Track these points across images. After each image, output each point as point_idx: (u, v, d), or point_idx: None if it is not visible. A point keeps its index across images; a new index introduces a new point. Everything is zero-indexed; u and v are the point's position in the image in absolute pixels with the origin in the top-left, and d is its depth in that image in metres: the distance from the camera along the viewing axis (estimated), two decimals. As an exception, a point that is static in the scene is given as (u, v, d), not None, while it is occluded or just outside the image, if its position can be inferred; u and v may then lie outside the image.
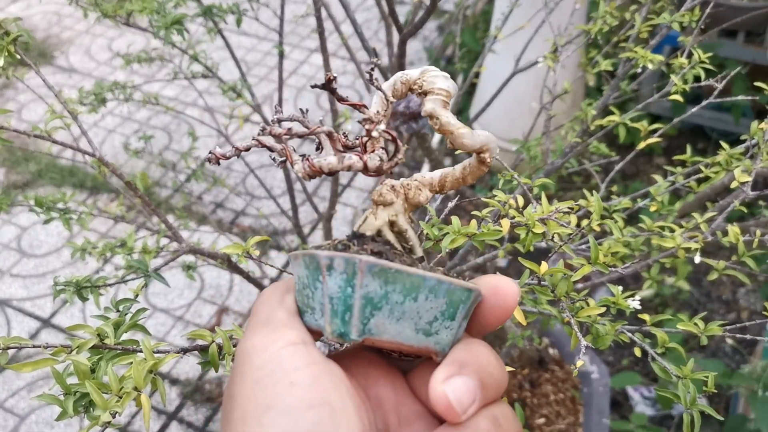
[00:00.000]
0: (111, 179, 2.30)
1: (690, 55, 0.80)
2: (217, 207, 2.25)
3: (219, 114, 2.47)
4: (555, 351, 1.47)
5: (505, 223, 0.52)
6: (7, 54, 0.72)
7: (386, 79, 1.10)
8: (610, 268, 0.51)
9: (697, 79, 0.79)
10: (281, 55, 1.15)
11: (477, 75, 2.12)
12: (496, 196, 0.56)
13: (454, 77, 2.01)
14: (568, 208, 0.55)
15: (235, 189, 2.29)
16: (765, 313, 0.58)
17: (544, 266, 0.49)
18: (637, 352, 0.57)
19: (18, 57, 0.71)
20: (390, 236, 0.36)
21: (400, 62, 0.99)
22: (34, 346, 0.40)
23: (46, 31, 3.02)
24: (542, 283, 0.51)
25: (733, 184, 0.65)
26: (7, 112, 0.71)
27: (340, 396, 0.30)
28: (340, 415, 0.29)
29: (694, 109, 0.82)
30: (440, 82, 0.37)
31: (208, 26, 1.18)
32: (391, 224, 0.37)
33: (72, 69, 2.82)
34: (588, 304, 0.51)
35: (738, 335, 0.56)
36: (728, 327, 0.59)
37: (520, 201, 0.57)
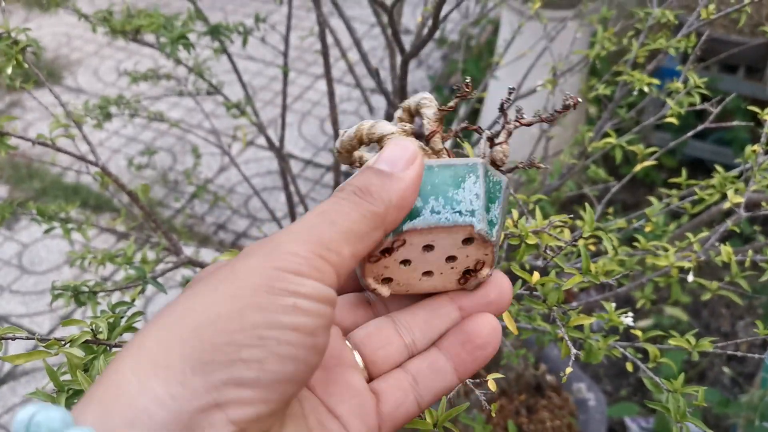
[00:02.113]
0: (114, 198, 2.31)
1: (686, 81, 0.81)
2: (219, 228, 2.26)
3: (224, 136, 2.49)
4: (552, 377, 1.47)
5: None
6: (15, 63, 0.73)
7: (388, 101, 1.11)
8: (603, 281, 0.51)
9: (692, 104, 0.80)
10: (285, 75, 1.17)
11: (479, 101, 2.14)
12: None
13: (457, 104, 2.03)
14: (562, 221, 0.55)
15: (238, 211, 2.30)
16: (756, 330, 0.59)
17: (536, 276, 0.50)
18: (629, 367, 0.57)
19: (26, 66, 0.73)
20: None
21: (402, 84, 1.00)
22: (28, 338, 0.41)
23: (55, 51, 3.06)
24: (534, 293, 0.52)
25: (727, 206, 0.66)
26: (13, 119, 0.72)
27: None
28: None
29: (690, 134, 0.83)
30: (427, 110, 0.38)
31: (214, 46, 1.20)
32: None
33: (80, 89, 2.86)
34: (579, 315, 0.51)
35: (730, 352, 0.56)
36: (722, 351, 0.59)
37: (515, 215, 0.58)
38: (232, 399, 0.27)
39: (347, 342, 0.37)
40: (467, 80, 0.38)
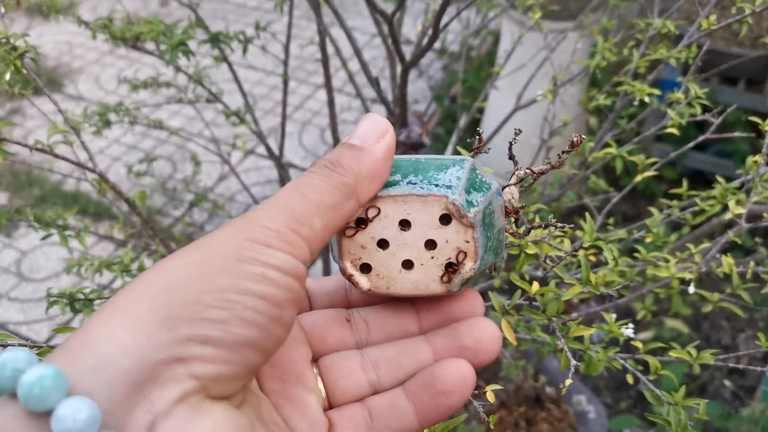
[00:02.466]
0: (113, 206, 2.31)
1: (687, 91, 0.81)
2: (218, 237, 2.26)
3: (224, 144, 2.49)
4: (552, 389, 1.46)
5: (498, 244, 0.52)
6: (13, 69, 0.73)
7: (389, 110, 1.11)
8: (603, 292, 0.51)
9: (693, 115, 0.80)
10: (286, 84, 1.17)
11: (480, 111, 2.14)
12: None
13: (456, 114, 2.03)
14: (562, 232, 0.55)
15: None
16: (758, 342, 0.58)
17: (535, 286, 0.50)
18: (629, 379, 0.57)
19: (25, 72, 0.72)
20: None
21: (402, 92, 1.00)
22: (20, 344, 0.40)
23: (57, 59, 3.07)
24: (534, 303, 0.51)
25: (728, 216, 0.66)
26: (12, 125, 0.72)
27: None
28: None
29: (691, 145, 0.83)
30: None
31: (214, 54, 1.20)
32: None
33: (80, 97, 2.86)
34: (579, 326, 0.51)
35: (731, 364, 0.55)
36: (723, 364, 0.59)
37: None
38: (195, 354, 0.27)
39: (314, 366, 0.37)
40: (480, 132, 0.39)
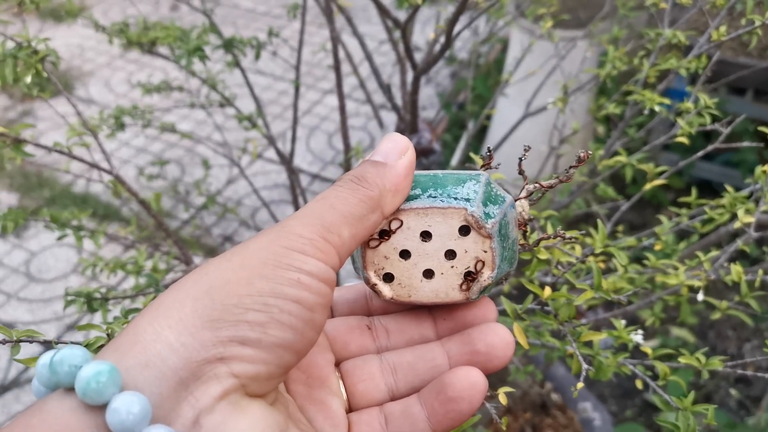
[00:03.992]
0: (123, 207, 2.32)
1: (696, 101, 0.82)
2: (226, 240, 2.27)
3: (233, 148, 2.51)
4: (558, 396, 1.46)
5: (511, 249, 0.53)
6: (34, 72, 0.74)
7: (399, 116, 1.12)
8: (613, 298, 0.52)
9: (702, 125, 0.81)
10: (297, 89, 1.18)
11: (488, 118, 2.15)
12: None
13: (464, 121, 2.04)
14: (573, 237, 0.56)
15: (245, 223, 2.31)
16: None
17: (547, 290, 0.50)
18: (639, 384, 0.57)
19: (45, 75, 0.74)
20: None
21: (413, 99, 1.01)
22: (45, 341, 0.41)
23: (68, 62, 3.09)
24: (546, 308, 0.52)
25: (737, 225, 0.66)
26: (29, 126, 0.73)
27: None
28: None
29: (700, 154, 0.84)
30: None
31: (227, 60, 1.21)
32: None
33: (91, 100, 2.88)
34: (590, 331, 0.52)
35: (739, 371, 0.56)
36: (731, 370, 0.59)
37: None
38: (235, 354, 0.29)
39: (336, 370, 0.38)
40: (490, 149, 0.40)
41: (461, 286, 0.37)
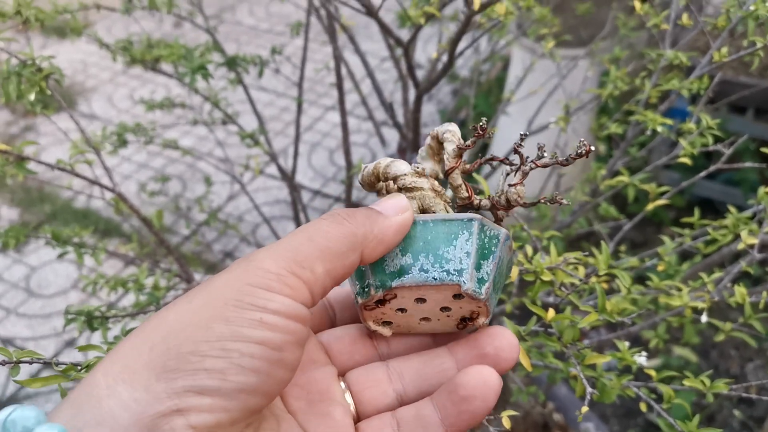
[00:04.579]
0: (124, 223, 2.32)
1: (698, 122, 0.82)
2: (227, 256, 2.26)
3: (235, 165, 2.51)
4: (560, 416, 1.45)
5: (514, 271, 0.53)
6: (38, 90, 0.75)
7: (401, 134, 1.12)
8: (617, 320, 0.51)
9: (704, 145, 0.81)
10: (299, 106, 1.18)
11: (489, 136, 2.15)
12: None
13: (466, 138, 2.04)
14: (576, 259, 0.56)
15: (246, 239, 2.31)
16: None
17: (551, 313, 0.50)
18: (643, 407, 0.57)
19: (49, 93, 0.74)
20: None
21: (415, 117, 1.01)
22: (45, 362, 0.41)
23: (71, 78, 3.11)
24: (549, 330, 0.52)
25: (740, 246, 0.66)
26: (33, 143, 0.73)
27: None
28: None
29: (702, 174, 0.84)
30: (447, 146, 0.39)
31: (230, 77, 1.21)
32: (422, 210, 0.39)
33: (94, 115, 2.89)
34: (594, 354, 0.51)
35: (744, 394, 0.55)
36: (735, 390, 0.59)
37: (529, 251, 0.58)
38: (193, 405, 0.28)
39: (341, 380, 0.38)
40: (483, 122, 0.39)
41: (457, 326, 0.38)
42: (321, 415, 0.36)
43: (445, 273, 0.35)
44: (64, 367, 0.41)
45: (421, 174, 0.39)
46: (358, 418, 0.37)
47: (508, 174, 0.40)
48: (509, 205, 0.38)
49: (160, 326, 0.30)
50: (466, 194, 0.39)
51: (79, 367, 0.42)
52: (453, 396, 0.34)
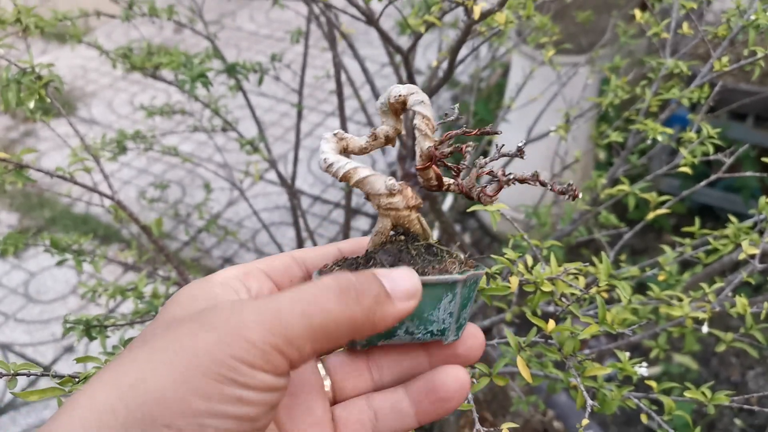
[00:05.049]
0: (123, 229, 2.32)
1: (699, 131, 0.82)
2: (226, 262, 2.26)
3: (234, 170, 2.51)
4: (560, 424, 1.44)
5: (514, 281, 0.53)
6: (37, 97, 0.75)
7: (401, 141, 1.12)
8: (617, 331, 0.51)
9: (705, 154, 0.81)
10: (299, 113, 1.18)
11: (489, 143, 2.16)
12: (506, 254, 0.57)
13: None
14: (576, 269, 0.55)
15: (245, 245, 2.31)
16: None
17: (551, 324, 0.50)
18: (644, 418, 0.57)
19: (48, 100, 0.74)
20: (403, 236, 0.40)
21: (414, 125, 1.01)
22: (42, 374, 0.41)
23: (70, 83, 3.11)
24: (549, 341, 0.51)
25: (741, 256, 0.66)
26: (33, 151, 0.73)
27: None
28: None
29: (702, 183, 0.84)
30: (420, 108, 0.39)
31: (230, 84, 1.21)
32: (395, 226, 0.39)
33: (93, 120, 2.89)
34: (594, 365, 0.51)
35: (745, 405, 0.55)
36: (736, 402, 0.58)
37: (529, 261, 0.58)
38: None
39: (320, 366, 0.39)
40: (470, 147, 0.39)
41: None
42: (302, 409, 0.36)
43: (429, 334, 0.37)
44: (61, 379, 0.41)
45: (396, 193, 0.38)
46: (334, 401, 0.38)
47: (482, 167, 0.40)
48: (477, 200, 0.39)
49: (138, 386, 0.29)
50: (436, 183, 0.40)
51: (77, 379, 0.42)
52: (431, 396, 0.37)
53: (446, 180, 0.40)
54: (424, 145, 0.38)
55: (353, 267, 0.37)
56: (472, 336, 0.39)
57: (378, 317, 0.32)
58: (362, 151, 0.41)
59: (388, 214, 0.38)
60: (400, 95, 0.39)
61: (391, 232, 0.39)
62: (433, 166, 0.39)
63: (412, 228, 0.39)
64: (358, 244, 0.41)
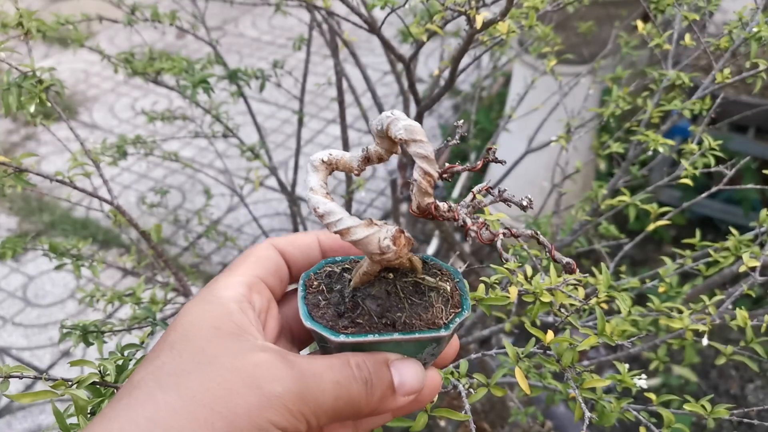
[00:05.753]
0: (122, 234, 2.32)
1: (700, 142, 0.81)
2: (225, 267, 2.25)
3: (234, 176, 2.51)
4: (557, 435, 1.44)
5: (513, 291, 0.53)
6: (38, 101, 0.74)
7: (402, 149, 1.12)
8: (617, 342, 0.51)
9: (706, 165, 0.81)
10: (300, 120, 1.18)
11: (488, 151, 2.16)
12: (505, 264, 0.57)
13: (467, 154, 2.04)
14: (576, 280, 0.55)
15: (244, 250, 2.30)
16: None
17: (550, 335, 0.50)
18: (642, 431, 0.56)
19: (49, 104, 0.74)
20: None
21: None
22: (35, 377, 0.40)
23: (72, 87, 3.11)
24: (548, 352, 0.51)
25: (742, 269, 0.66)
26: (33, 155, 0.73)
27: None
28: None
29: (703, 195, 0.83)
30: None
31: (231, 90, 1.21)
32: (384, 268, 0.39)
33: (94, 125, 2.89)
34: (593, 377, 0.51)
35: (744, 419, 0.55)
36: (736, 415, 0.58)
37: (529, 271, 0.58)
38: None
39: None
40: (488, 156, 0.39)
41: None
42: None
43: None
44: (54, 383, 0.41)
45: (369, 224, 0.38)
46: None
47: (474, 196, 0.40)
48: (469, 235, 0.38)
49: None
50: (431, 218, 0.39)
51: (70, 383, 0.42)
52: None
53: (442, 208, 0.38)
54: (422, 201, 0.37)
55: (340, 306, 0.38)
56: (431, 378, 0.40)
57: (380, 407, 0.36)
58: (351, 172, 0.40)
59: (379, 261, 0.37)
60: (400, 138, 0.36)
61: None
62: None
63: (402, 266, 0.39)
64: (337, 239, 0.41)
